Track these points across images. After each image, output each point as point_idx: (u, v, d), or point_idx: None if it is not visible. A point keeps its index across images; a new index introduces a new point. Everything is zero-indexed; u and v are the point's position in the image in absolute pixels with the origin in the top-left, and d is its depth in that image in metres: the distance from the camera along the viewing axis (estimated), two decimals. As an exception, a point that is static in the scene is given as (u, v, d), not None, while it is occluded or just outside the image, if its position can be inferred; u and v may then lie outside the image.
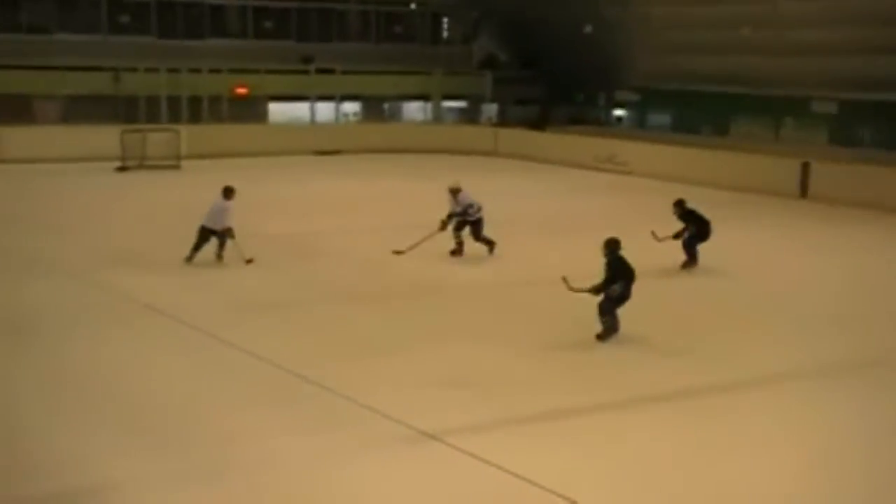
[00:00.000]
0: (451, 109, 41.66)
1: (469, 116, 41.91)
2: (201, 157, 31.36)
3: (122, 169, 29.66)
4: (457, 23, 43.13)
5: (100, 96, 34.00)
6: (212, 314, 13.90)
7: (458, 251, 18.02)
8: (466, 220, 17.91)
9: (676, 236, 17.29)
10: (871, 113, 29.63)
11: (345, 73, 37.85)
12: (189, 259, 16.73)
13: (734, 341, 13.28)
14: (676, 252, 17.25)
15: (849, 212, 24.33)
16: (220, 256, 16.89)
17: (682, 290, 16.30)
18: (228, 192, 16.87)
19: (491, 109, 41.21)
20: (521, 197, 26.14)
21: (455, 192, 17.92)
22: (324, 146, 34.93)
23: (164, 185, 27.52)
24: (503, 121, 39.98)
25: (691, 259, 17.38)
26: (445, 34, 43.24)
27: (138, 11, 36.40)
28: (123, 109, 34.19)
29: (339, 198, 25.48)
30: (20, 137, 30.96)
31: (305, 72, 37.45)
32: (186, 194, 25.21)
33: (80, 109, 33.90)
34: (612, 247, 12.99)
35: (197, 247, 16.75)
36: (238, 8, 38.45)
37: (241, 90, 36.64)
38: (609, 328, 12.95)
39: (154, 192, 26.14)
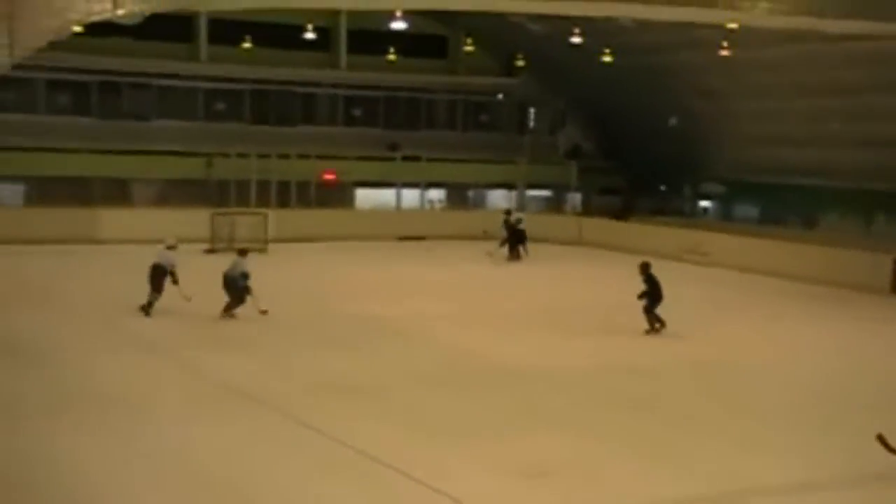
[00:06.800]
0: (535, 198, 41.90)
1: (554, 205, 42.10)
2: (288, 240, 31.93)
3: (210, 251, 30.30)
4: (542, 112, 43.62)
5: (193, 180, 35.10)
6: (291, 396, 14.07)
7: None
8: None
9: None
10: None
11: (430, 160, 38.41)
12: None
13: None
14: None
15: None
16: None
17: (776, 380, 16.00)
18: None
19: (575, 199, 41.34)
20: (599, 284, 26.12)
21: None
22: (408, 232, 35.29)
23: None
24: (587, 210, 40.06)
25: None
26: (531, 124, 43.73)
27: (233, 99, 37.72)
28: (215, 193, 35.20)
29: (421, 282, 25.64)
30: (117, 219, 31.97)
31: (392, 159, 38.12)
32: (272, 276, 25.60)
33: (174, 193, 35.01)
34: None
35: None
36: (328, 96, 39.49)
37: (329, 176, 37.42)
38: None
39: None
